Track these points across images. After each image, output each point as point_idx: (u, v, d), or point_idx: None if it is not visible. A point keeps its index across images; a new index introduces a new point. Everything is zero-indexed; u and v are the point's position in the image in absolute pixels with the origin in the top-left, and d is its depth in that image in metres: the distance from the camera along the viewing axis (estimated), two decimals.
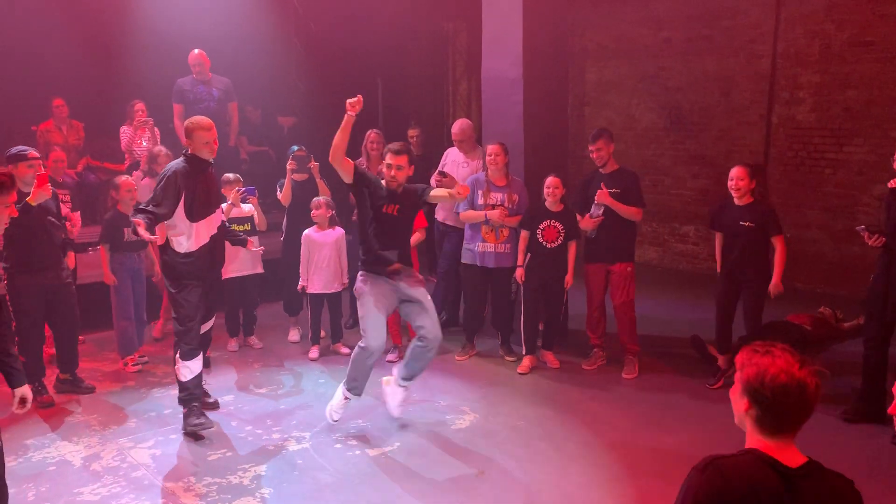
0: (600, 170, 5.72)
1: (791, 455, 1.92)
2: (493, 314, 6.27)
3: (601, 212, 5.65)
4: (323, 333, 6.40)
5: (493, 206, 5.84)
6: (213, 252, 4.84)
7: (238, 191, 5.94)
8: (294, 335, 6.68)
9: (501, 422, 4.96)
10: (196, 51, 7.51)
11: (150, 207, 4.50)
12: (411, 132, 7.68)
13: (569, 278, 5.79)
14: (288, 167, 6.35)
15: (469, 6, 7.51)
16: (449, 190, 4.95)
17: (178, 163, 4.73)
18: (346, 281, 6.17)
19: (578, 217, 5.80)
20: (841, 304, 6.84)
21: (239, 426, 4.90)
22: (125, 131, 7.61)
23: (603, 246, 5.72)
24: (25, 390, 3.17)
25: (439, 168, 6.72)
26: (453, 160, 6.71)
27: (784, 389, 1.89)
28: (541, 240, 5.74)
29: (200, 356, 4.85)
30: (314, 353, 6.22)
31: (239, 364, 6.09)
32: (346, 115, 4.50)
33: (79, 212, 6.37)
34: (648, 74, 9.58)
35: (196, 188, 4.69)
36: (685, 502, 1.87)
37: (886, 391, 4.76)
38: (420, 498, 3.99)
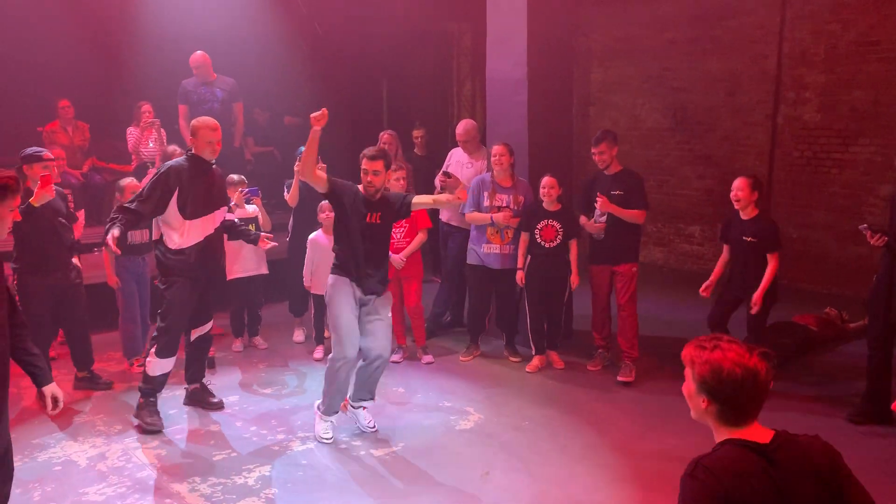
0: (604, 171, 5.71)
1: (760, 433, 1.97)
2: (497, 315, 6.26)
3: (604, 219, 5.63)
4: (327, 333, 6.40)
5: (500, 208, 5.83)
6: (206, 251, 4.84)
7: (241, 192, 5.95)
8: (299, 335, 6.69)
9: (506, 422, 4.96)
10: (198, 52, 7.52)
11: (133, 205, 4.59)
12: (416, 133, 7.69)
13: (574, 278, 5.77)
14: (295, 168, 6.31)
15: (474, 7, 7.51)
16: (433, 196, 4.75)
17: (176, 161, 4.81)
18: None
19: (583, 219, 5.79)
20: (847, 304, 6.82)
21: (244, 426, 4.90)
22: (132, 132, 7.63)
23: (607, 247, 5.71)
24: (55, 388, 3.04)
25: (443, 168, 6.73)
26: (457, 161, 6.71)
27: (741, 382, 1.93)
28: (539, 240, 5.74)
29: (174, 358, 4.87)
30: (319, 353, 6.22)
31: (244, 364, 6.09)
32: (311, 130, 4.43)
33: (83, 210, 6.38)
34: (653, 75, 9.56)
35: (193, 187, 4.72)
36: None
37: (892, 391, 4.75)
38: (425, 499, 3.99)
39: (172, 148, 6.57)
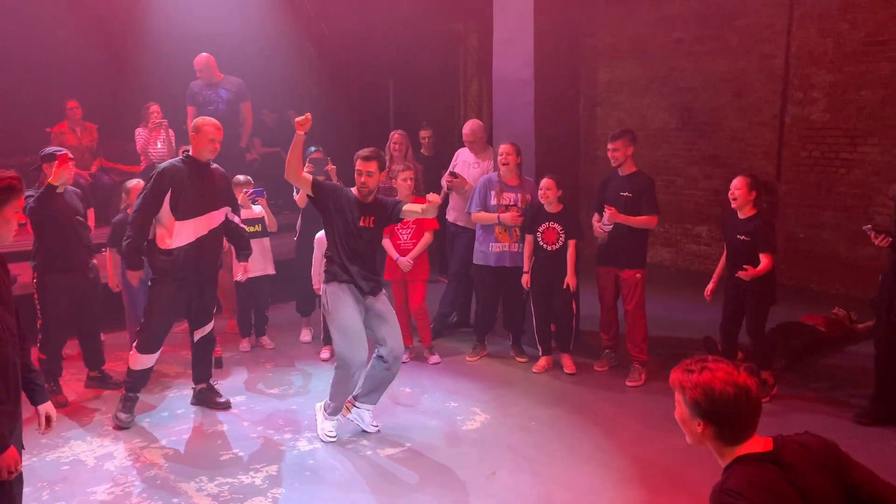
0: (618, 171, 5.67)
1: (760, 443, 1.98)
2: (504, 315, 6.26)
3: (610, 227, 5.60)
4: None
5: (507, 207, 5.83)
6: (200, 253, 4.86)
7: (247, 192, 5.96)
8: (306, 335, 6.70)
9: (512, 423, 4.96)
10: (202, 54, 7.51)
11: (129, 234, 4.77)
12: (423, 133, 7.69)
13: (568, 279, 5.69)
14: (305, 169, 6.28)
15: (480, 7, 7.51)
16: (422, 206, 4.67)
17: (170, 161, 4.90)
18: None
19: (595, 219, 5.75)
20: (855, 305, 6.78)
21: (251, 426, 4.92)
22: (140, 133, 7.66)
23: (613, 250, 5.68)
24: (49, 407, 3.01)
25: (450, 169, 6.74)
26: (464, 161, 6.72)
27: (734, 400, 1.92)
28: (541, 242, 5.73)
29: (155, 356, 4.93)
30: (326, 353, 6.23)
31: (251, 364, 6.11)
32: (295, 135, 4.43)
33: (91, 210, 6.41)
34: (660, 75, 9.54)
35: (186, 188, 4.75)
36: None
37: None
38: (432, 498, 4.00)
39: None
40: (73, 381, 5.56)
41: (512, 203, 5.84)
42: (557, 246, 5.70)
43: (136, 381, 4.95)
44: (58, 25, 7.92)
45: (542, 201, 5.68)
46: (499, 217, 5.81)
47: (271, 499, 3.99)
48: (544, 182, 5.64)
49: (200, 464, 4.40)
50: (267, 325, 6.56)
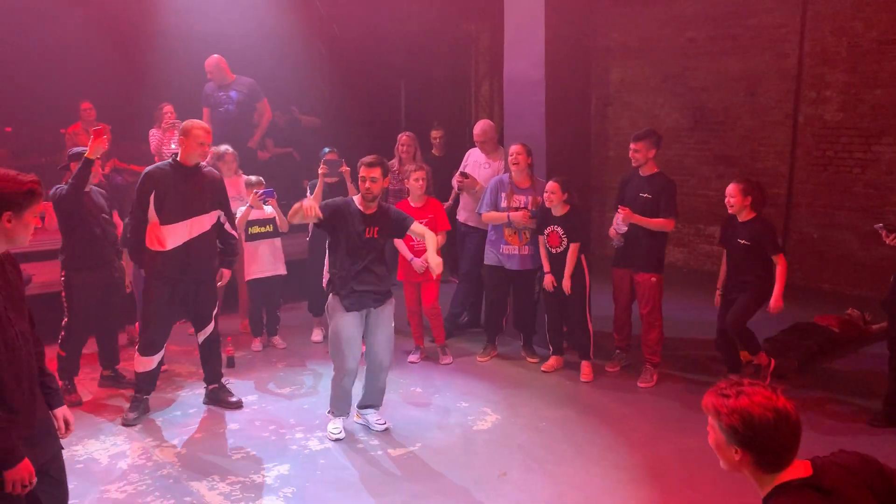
0: (638, 171, 5.64)
1: (801, 467, 1.89)
2: (515, 315, 6.25)
3: (625, 229, 5.57)
4: None
5: (517, 209, 5.82)
6: (189, 256, 4.87)
7: (257, 193, 5.98)
8: (317, 335, 6.71)
9: (523, 423, 4.96)
10: (213, 56, 7.53)
11: (127, 234, 4.99)
12: (434, 133, 7.69)
13: (564, 283, 5.62)
14: (319, 171, 6.23)
15: (491, 7, 7.50)
16: (430, 237, 4.68)
17: (156, 165, 4.97)
18: None
19: (616, 219, 5.70)
20: (869, 305, 6.73)
21: (262, 426, 4.94)
22: (154, 134, 7.71)
23: (629, 252, 5.64)
24: (66, 411, 2.96)
25: (461, 169, 6.74)
26: (475, 161, 6.71)
27: (775, 426, 1.84)
28: (547, 245, 5.72)
29: (157, 357, 4.98)
30: None
31: (263, 364, 6.14)
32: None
33: (115, 210, 6.46)
34: (672, 74, 9.50)
35: (171, 191, 4.77)
36: None
37: None
38: (442, 498, 4.01)
39: (225, 148, 6.48)
40: (86, 380, 5.61)
41: (522, 205, 5.82)
42: (561, 249, 5.67)
43: (144, 383, 5.01)
44: (72, 28, 7.97)
45: (547, 205, 5.66)
46: (508, 217, 5.80)
47: (283, 498, 4.01)
48: (549, 185, 5.61)
49: (212, 463, 4.42)
50: (279, 325, 6.59)
